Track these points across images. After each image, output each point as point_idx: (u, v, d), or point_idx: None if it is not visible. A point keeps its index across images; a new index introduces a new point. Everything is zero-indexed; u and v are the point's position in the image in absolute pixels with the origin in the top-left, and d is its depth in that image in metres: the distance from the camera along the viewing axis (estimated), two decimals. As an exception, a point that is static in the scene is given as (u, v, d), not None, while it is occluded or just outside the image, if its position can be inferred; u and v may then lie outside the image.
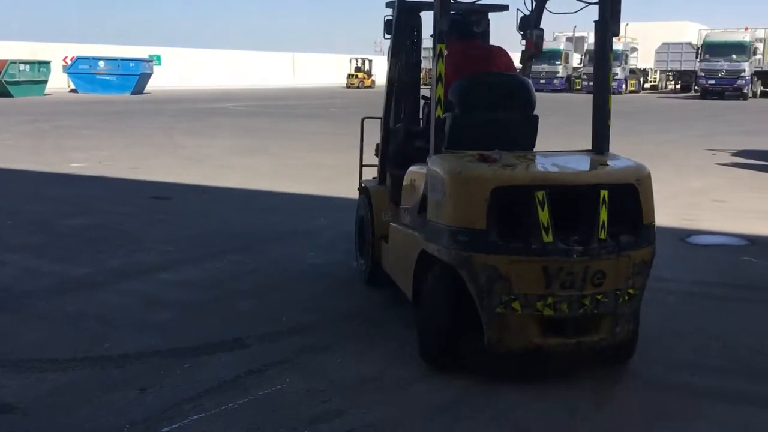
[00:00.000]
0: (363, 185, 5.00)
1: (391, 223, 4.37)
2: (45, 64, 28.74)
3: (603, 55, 3.80)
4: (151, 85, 32.65)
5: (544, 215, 3.18)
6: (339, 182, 8.47)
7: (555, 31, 46.10)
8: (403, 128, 4.59)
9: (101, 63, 30.64)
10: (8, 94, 25.84)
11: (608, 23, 3.67)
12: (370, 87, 46.09)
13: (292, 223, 6.89)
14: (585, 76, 39.95)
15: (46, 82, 28.71)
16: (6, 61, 26.38)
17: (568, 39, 43.73)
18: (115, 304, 4.48)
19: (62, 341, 3.83)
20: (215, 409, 3.10)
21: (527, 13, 4.51)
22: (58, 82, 31.12)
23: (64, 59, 32.31)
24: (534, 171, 3.49)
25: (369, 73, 47.81)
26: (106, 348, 3.73)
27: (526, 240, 3.20)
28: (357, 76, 46.72)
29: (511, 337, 3.27)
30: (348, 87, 45.68)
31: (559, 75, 40.91)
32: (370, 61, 49.38)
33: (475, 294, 3.26)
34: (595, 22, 3.73)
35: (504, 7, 4.87)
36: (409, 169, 4.12)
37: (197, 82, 40.77)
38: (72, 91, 31.34)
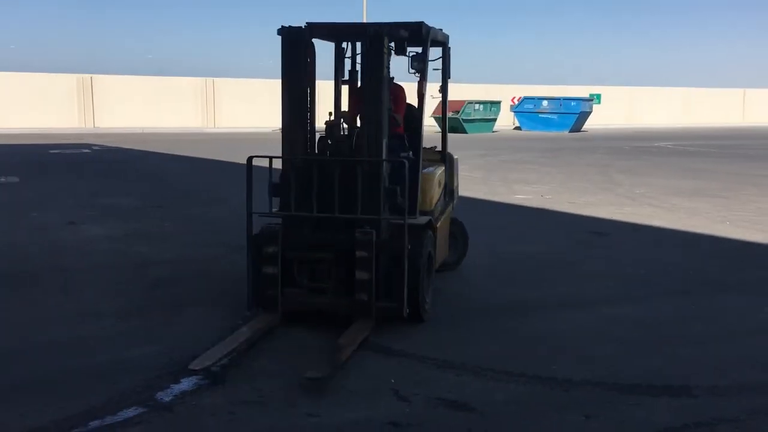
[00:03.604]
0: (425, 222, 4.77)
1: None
2: (496, 104, 31.55)
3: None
4: (589, 123, 33.32)
5: None
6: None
7: None
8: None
9: (545, 102, 32.37)
10: (463, 131, 29.05)
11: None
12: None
13: (733, 271, 6.38)
14: None
15: (495, 120, 31.49)
16: (464, 101, 29.72)
17: None
18: (560, 330, 4.70)
19: (515, 357, 4.17)
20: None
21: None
22: (505, 120, 33.87)
23: (512, 99, 35.00)
24: None
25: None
26: (553, 370, 3.94)
27: None
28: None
29: None
30: (811, 126, 40.13)
31: None
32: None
33: None
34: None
35: None
36: (436, 172, 5.37)
37: (636, 121, 40.20)
38: (516, 128, 33.77)
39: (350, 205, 4.40)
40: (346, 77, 5.38)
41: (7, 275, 5.92)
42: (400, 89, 5.36)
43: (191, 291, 5.44)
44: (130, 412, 3.38)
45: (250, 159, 4.46)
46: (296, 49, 4.49)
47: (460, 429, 3.26)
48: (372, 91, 4.43)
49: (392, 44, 4.53)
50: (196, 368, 3.71)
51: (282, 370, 3.88)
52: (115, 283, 5.72)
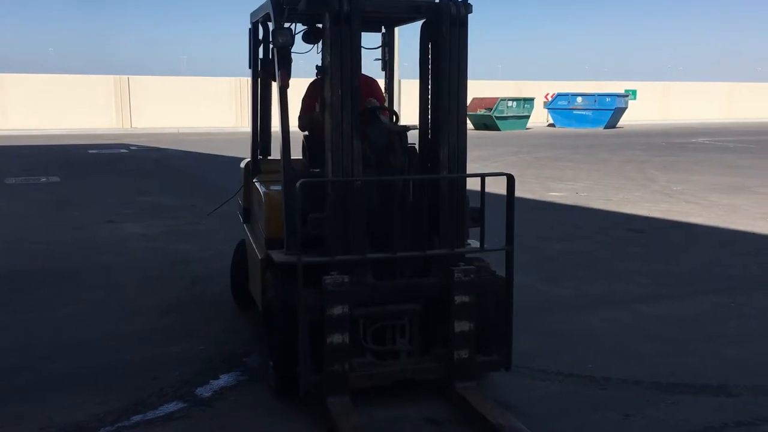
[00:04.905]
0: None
1: None
2: (529, 100, 31.27)
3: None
4: (624, 119, 32.87)
5: None
6: None
7: None
8: None
9: (579, 99, 31.97)
10: (496, 128, 28.86)
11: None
12: None
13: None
14: None
15: (528, 117, 31.21)
16: (497, 98, 29.53)
17: None
18: (596, 328, 4.67)
19: (549, 355, 4.15)
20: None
21: None
22: (538, 117, 33.55)
23: (546, 96, 34.66)
24: None
25: None
26: (589, 368, 3.92)
27: None
28: None
29: None
30: None
31: None
32: None
33: None
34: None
35: None
36: None
37: (673, 116, 39.56)
38: (549, 125, 33.43)
39: (419, 237, 3.50)
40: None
41: (48, 273, 6.06)
42: (374, 81, 4.39)
43: (228, 288, 5.50)
44: (170, 407, 3.44)
45: (303, 185, 3.15)
46: (348, 26, 3.31)
47: (497, 426, 3.26)
48: (454, 89, 3.47)
49: None
50: None
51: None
52: (153, 280, 5.82)
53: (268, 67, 4.41)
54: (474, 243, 3.67)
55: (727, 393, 3.62)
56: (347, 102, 3.31)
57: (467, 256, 3.60)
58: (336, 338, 3.23)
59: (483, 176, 3.47)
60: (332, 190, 3.31)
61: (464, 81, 3.51)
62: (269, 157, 4.75)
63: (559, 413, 3.39)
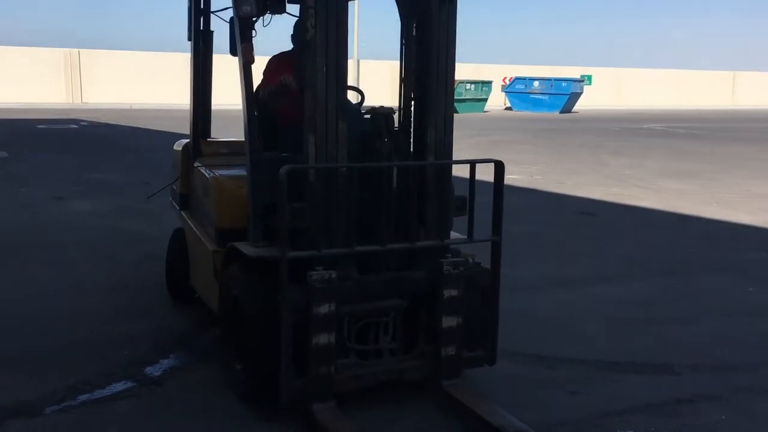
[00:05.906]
0: None
1: None
2: (488, 83, 31.45)
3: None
4: (580, 104, 33.33)
5: None
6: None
7: None
8: None
9: (536, 83, 32.30)
10: (454, 110, 28.83)
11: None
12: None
13: (721, 253, 6.45)
14: None
15: (486, 100, 31.40)
16: (455, 81, 29.53)
17: None
18: (547, 309, 4.75)
19: (500, 335, 4.15)
20: (645, 429, 3.09)
21: None
22: (496, 100, 33.80)
23: (503, 79, 34.89)
24: None
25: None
26: (538, 348, 3.99)
27: None
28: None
29: None
30: (800, 110, 40.25)
31: None
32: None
33: None
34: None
35: None
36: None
37: (627, 102, 40.24)
38: (507, 108, 33.72)
39: (405, 228, 3.25)
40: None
41: (-6, 250, 5.90)
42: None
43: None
44: (119, 386, 3.40)
45: (289, 171, 2.81)
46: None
47: (447, 405, 3.29)
48: (443, 69, 3.22)
49: None
50: None
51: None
52: (103, 258, 5.71)
53: (208, 39, 4.20)
54: (455, 234, 3.54)
55: (670, 372, 3.73)
56: (332, 81, 3.00)
57: (452, 247, 3.42)
58: (322, 339, 2.93)
59: (473, 162, 3.27)
60: (317, 177, 3.03)
61: (452, 61, 3.25)
62: (209, 139, 4.43)
63: (505, 392, 3.44)
